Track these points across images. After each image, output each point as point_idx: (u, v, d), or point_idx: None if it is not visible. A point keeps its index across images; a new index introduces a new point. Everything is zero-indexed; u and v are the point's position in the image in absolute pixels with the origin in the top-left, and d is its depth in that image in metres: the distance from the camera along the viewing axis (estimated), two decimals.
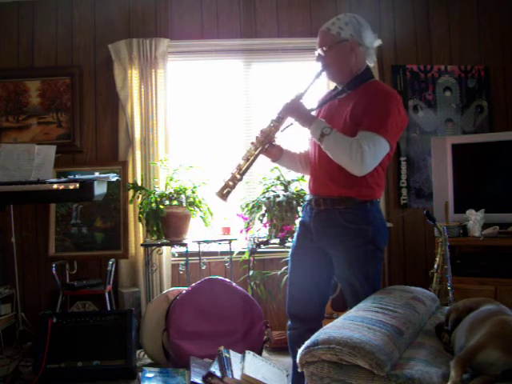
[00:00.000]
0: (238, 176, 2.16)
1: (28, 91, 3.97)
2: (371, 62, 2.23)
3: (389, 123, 2.02)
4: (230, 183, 2.15)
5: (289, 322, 2.34)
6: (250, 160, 2.18)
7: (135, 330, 3.10)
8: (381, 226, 2.16)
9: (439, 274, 3.03)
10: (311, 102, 2.28)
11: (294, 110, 2.14)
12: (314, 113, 2.24)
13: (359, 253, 2.10)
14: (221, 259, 3.87)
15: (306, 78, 2.25)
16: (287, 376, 2.73)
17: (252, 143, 2.22)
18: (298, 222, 3.23)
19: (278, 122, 2.18)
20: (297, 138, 2.21)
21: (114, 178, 3.20)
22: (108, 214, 3.87)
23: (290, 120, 2.18)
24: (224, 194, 2.15)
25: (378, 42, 2.22)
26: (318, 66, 2.19)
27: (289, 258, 2.36)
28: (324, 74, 2.19)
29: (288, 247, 3.45)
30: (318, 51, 2.17)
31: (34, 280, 3.89)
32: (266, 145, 2.21)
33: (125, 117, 3.92)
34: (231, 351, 2.72)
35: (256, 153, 2.19)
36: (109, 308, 3.56)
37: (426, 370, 1.50)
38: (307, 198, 2.31)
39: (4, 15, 3.96)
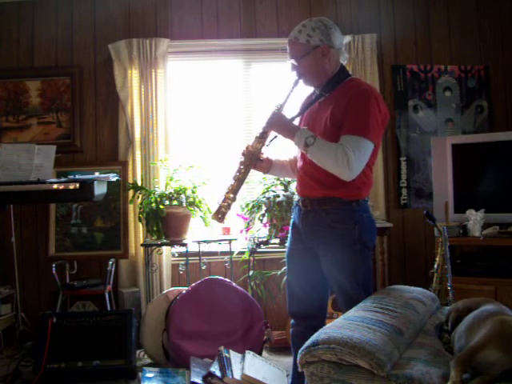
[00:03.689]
0: (231, 196, 2.20)
1: (28, 91, 3.96)
2: (344, 60, 2.23)
3: (370, 123, 2.02)
4: (225, 204, 2.20)
5: (292, 321, 2.36)
6: (240, 179, 2.22)
7: (135, 330, 3.10)
8: (368, 225, 2.17)
9: (439, 274, 3.04)
10: (295, 108, 2.31)
11: (275, 123, 2.16)
12: (297, 119, 2.25)
13: (347, 253, 2.10)
14: (221, 259, 3.87)
15: (284, 87, 2.27)
16: (287, 376, 2.73)
17: (240, 162, 2.24)
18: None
19: (262, 137, 2.21)
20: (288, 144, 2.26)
21: (114, 178, 3.21)
22: (108, 214, 3.87)
23: (274, 133, 2.20)
24: (220, 216, 2.20)
25: (346, 39, 2.23)
26: (294, 74, 2.21)
27: (285, 259, 2.38)
28: (301, 81, 2.21)
29: None
30: (292, 61, 2.18)
31: (34, 280, 3.89)
32: (254, 161, 2.24)
33: (125, 117, 3.92)
34: (231, 351, 2.72)
35: (245, 171, 2.23)
36: (109, 308, 3.55)
37: (426, 370, 1.51)
38: (296, 198, 2.33)
39: (4, 15, 3.96)
